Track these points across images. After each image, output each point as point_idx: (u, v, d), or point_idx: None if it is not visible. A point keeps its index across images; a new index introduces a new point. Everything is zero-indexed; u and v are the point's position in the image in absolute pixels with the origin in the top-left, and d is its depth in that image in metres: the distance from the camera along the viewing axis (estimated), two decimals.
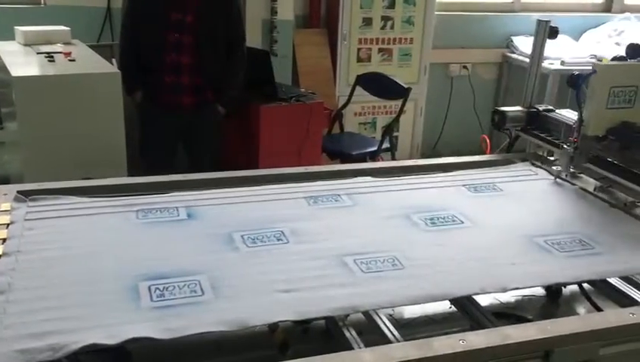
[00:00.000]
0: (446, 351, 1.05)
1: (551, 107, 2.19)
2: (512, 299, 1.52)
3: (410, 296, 1.24)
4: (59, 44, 3.04)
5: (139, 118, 3.18)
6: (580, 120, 1.84)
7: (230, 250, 1.40)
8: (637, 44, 1.89)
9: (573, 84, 1.86)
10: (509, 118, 2.15)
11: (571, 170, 1.91)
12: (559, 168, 1.92)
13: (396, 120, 3.97)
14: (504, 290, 1.33)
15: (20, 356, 1.01)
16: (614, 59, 1.90)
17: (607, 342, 1.16)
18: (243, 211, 1.60)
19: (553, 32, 2.16)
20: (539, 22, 2.18)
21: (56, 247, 1.38)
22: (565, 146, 1.89)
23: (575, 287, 1.53)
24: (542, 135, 2.10)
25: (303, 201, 1.67)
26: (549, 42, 5.60)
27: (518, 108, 2.19)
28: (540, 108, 2.18)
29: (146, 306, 1.16)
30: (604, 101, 1.78)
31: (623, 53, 4.50)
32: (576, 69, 5.07)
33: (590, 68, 1.81)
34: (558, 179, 1.90)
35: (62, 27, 3.23)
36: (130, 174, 2.50)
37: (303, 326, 1.30)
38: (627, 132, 1.76)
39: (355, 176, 1.87)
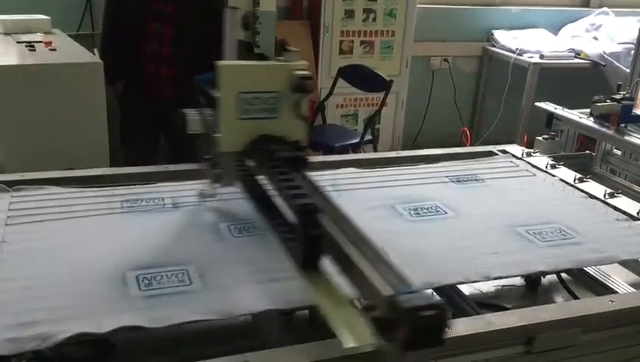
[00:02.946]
0: None
1: None
2: (492, 289, 1.55)
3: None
4: (39, 34, 3.00)
5: (119, 109, 3.16)
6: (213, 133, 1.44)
7: (217, 239, 1.40)
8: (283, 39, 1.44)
9: (197, 89, 1.50)
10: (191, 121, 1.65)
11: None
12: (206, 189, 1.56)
13: (378, 112, 4.00)
14: (487, 279, 1.35)
15: (7, 345, 1.01)
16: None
17: (588, 328, 1.19)
18: (229, 202, 1.60)
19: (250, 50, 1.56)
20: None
21: (41, 237, 1.37)
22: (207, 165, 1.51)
23: (553, 277, 1.57)
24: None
25: None
26: (527, 35, 5.60)
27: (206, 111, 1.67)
28: None
29: (135, 295, 1.16)
30: (233, 110, 1.36)
31: (604, 49, 4.52)
32: (555, 63, 5.11)
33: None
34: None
35: (42, 16, 3.20)
36: (112, 165, 2.49)
37: (287, 316, 1.31)
38: (263, 149, 1.35)
39: (339, 168, 1.88)
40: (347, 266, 1.03)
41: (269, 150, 1.32)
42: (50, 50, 2.71)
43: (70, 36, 3.20)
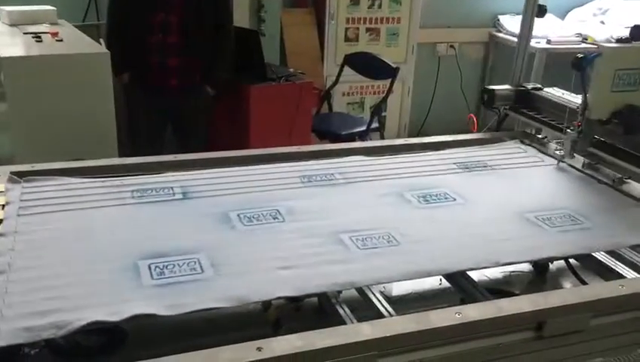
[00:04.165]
0: (443, 323, 1.08)
1: (539, 85, 2.20)
2: (500, 276, 1.56)
3: (407, 272, 1.27)
4: (45, 25, 3.00)
5: (126, 100, 3.17)
6: (585, 103, 1.80)
7: (227, 228, 1.41)
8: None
9: (578, 66, 1.82)
10: (498, 96, 2.16)
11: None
12: (562, 152, 1.89)
13: (384, 100, 3.98)
14: (497, 265, 1.35)
15: (24, 333, 1.03)
16: (619, 41, 1.84)
17: (597, 313, 1.19)
18: (238, 190, 1.61)
19: (541, 11, 2.16)
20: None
21: (53, 227, 1.38)
22: (569, 130, 1.85)
23: (561, 263, 1.57)
24: (531, 114, 2.10)
25: (297, 180, 1.69)
26: (535, 21, 5.56)
27: (507, 86, 2.20)
28: (529, 87, 2.19)
29: (147, 284, 1.17)
30: (608, 84, 1.74)
31: (612, 33, 4.54)
32: (562, 48, 5.06)
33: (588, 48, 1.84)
34: (560, 163, 1.88)
35: (48, 7, 3.19)
36: (120, 156, 2.50)
37: (295, 304, 1.32)
38: (632, 115, 1.72)
39: (348, 155, 1.88)
40: None
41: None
42: (56, 40, 2.71)
43: (76, 26, 3.19)
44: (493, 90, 2.17)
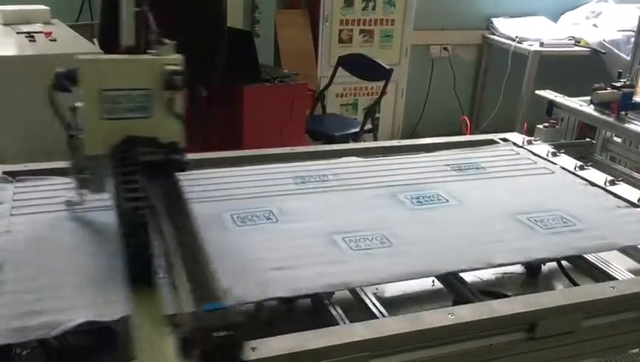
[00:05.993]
0: (436, 324, 1.08)
1: None
2: (493, 277, 1.56)
3: (399, 273, 1.27)
4: (38, 24, 2.99)
5: None
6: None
7: (220, 229, 1.41)
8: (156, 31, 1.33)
9: (59, 86, 1.34)
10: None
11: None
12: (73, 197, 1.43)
13: (378, 101, 4.00)
14: (489, 266, 1.36)
15: (15, 334, 1.02)
16: (128, 50, 1.29)
17: (589, 314, 1.20)
18: (231, 191, 1.61)
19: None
20: None
21: (45, 227, 1.38)
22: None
23: (553, 265, 1.58)
24: None
25: (290, 181, 1.69)
26: (527, 23, 5.61)
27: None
28: None
29: None
30: (97, 109, 1.21)
31: (604, 36, 4.51)
32: (555, 50, 5.10)
33: None
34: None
35: (41, 6, 3.18)
36: None
37: (288, 305, 1.32)
38: (132, 151, 1.20)
39: (341, 157, 1.89)
40: (172, 278, 0.92)
41: (133, 153, 1.18)
42: (50, 40, 2.70)
43: (69, 26, 3.18)
44: None
